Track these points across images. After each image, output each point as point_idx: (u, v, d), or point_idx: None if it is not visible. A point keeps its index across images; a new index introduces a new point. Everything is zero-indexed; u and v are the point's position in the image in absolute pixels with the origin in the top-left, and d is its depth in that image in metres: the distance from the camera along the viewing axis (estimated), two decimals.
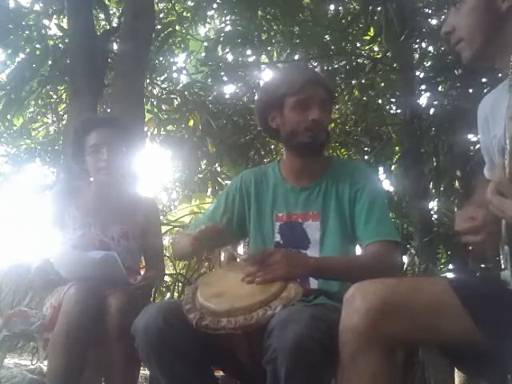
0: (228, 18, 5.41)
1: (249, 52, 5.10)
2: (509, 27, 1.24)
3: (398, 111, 5.06)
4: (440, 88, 4.62)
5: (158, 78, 5.57)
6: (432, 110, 4.44)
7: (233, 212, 1.82)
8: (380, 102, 5.19)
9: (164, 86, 5.65)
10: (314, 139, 1.69)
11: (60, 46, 4.76)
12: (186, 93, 5.25)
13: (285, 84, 1.71)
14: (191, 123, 5.07)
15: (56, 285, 2.05)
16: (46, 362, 2.02)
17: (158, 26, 5.00)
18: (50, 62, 4.65)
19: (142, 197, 2.41)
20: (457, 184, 4.52)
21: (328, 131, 1.80)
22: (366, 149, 5.04)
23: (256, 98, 1.89)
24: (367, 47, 5.34)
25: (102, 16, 5.19)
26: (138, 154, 2.37)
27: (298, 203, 1.76)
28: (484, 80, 3.89)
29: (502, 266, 1.16)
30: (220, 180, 5.22)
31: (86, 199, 2.23)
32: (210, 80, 5.16)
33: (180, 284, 4.86)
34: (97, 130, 2.18)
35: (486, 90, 3.73)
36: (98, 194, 2.23)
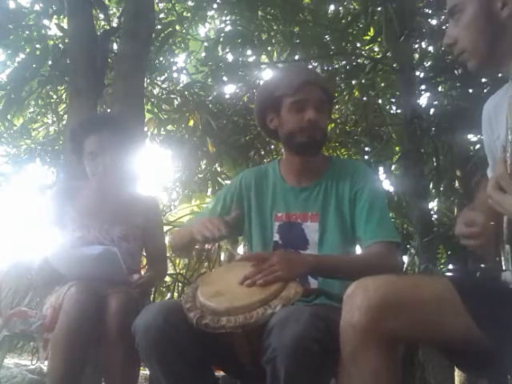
0: (228, 18, 5.41)
1: (249, 52, 5.11)
2: (510, 34, 1.24)
3: (398, 111, 5.07)
4: (440, 88, 4.63)
5: (158, 78, 5.56)
6: (432, 110, 4.44)
7: (231, 210, 1.81)
8: (380, 101, 5.20)
9: (164, 86, 5.65)
10: (310, 139, 1.70)
11: (60, 46, 4.76)
12: (186, 93, 5.24)
13: (281, 86, 1.71)
14: (191, 123, 5.07)
15: (56, 283, 2.05)
16: (46, 362, 2.01)
17: (158, 26, 4.99)
18: (50, 62, 4.65)
19: (142, 196, 2.38)
20: (457, 184, 4.53)
21: (325, 131, 1.81)
22: (366, 149, 5.04)
23: (254, 99, 1.89)
24: (367, 47, 5.34)
25: (101, 16, 5.18)
26: (139, 154, 2.35)
27: (297, 203, 1.76)
28: (484, 80, 3.90)
29: (503, 268, 1.16)
30: (220, 180, 5.21)
31: (86, 200, 2.22)
32: (210, 80, 5.16)
33: (180, 284, 4.86)
34: (95, 134, 2.14)
35: (486, 90, 3.74)
36: (97, 195, 2.22)
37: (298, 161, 1.77)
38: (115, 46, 4.17)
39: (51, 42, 4.94)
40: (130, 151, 2.25)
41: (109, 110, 3.91)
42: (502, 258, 1.15)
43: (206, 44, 5.57)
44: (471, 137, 4.25)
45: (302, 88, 1.68)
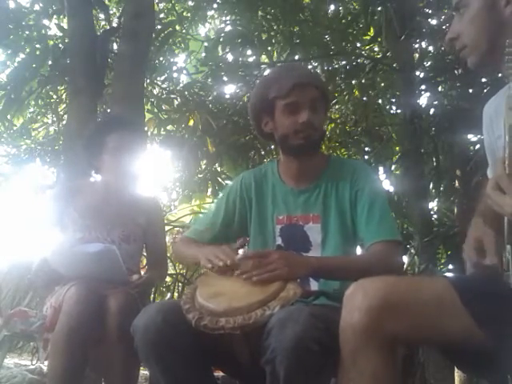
0: (228, 18, 5.41)
1: (249, 52, 5.11)
2: None
3: (398, 111, 5.06)
4: (440, 88, 4.63)
5: (158, 78, 5.56)
6: (432, 110, 4.44)
7: (234, 214, 1.81)
8: (380, 101, 5.19)
9: (164, 86, 5.65)
10: (306, 140, 1.68)
11: (60, 46, 4.77)
12: (186, 93, 5.24)
13: (272, 89, 1.69)
14: (191, 123, 5.07)
15: (55, 283, 2.05)
16: (46, 362, 2.02)
17: (158, 26, 5.00)
18: (50, 62, 4.65)
19: (144, 197, 2.38)
20: (457, 184, 4.53)
21: (322, 130, 1.79)
22: (366, 149, 5.04)
23: (248, 103, 1.88)
24: (367, 47, 5.34)
25: (102, 16, 5.19)
26: (143, 155, 2.37)
27: (297, 205, 1.74)
28: (484, 80, 3.90)
29: (505, 268, 1.16)
30: (220, 180, 5.21)
31: (88, 200, 2.22)
32: (209, 80, 5.16)
33: (180, 284, 4.87)
34: (119, 131, 2.20)
35: (486, 90, 3.74)
36: (101, 195, 2.22)
37: (295, 162, 1.76)
38: (115, 46, 4.18)
39: (51, 42, 4.95)
40: (138, 152, 2.27)
41: (109, 110, 3.92)
42: (503, 259, 1.15)
43: (206, 44, 5.58)
44: (471, 137, 4.26)
45: (294, 90, 1.66)
